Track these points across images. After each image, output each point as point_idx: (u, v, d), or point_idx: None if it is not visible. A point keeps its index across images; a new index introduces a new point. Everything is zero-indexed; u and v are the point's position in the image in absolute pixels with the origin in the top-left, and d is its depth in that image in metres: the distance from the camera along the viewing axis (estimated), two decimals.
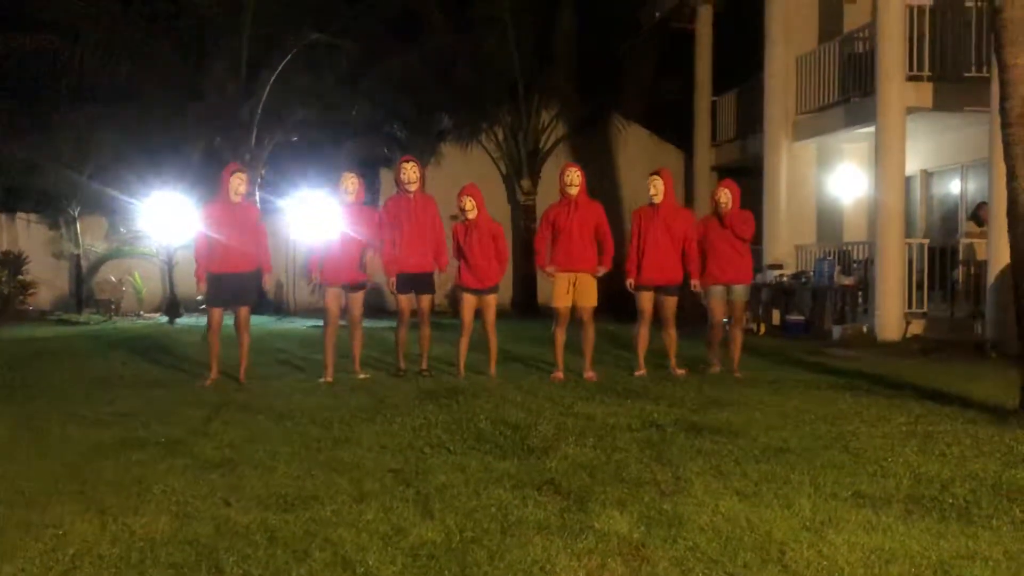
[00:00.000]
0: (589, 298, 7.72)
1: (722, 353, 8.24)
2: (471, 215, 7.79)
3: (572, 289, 7.69)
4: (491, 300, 7.85)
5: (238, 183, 7.57)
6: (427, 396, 6.70)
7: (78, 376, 7.98)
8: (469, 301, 7.82)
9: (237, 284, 7.52)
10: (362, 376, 7.58)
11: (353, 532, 3.52)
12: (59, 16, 15.39)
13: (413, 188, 7.76)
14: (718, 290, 8.10)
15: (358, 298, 7.69)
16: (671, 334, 8.01)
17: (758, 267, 14.29)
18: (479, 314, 7.86)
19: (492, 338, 7.88)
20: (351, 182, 7.68)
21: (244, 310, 7.65)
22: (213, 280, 7.52)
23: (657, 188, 7.94)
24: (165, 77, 16.50)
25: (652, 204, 7.95)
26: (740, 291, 8.15)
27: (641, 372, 7.82)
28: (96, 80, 15.77)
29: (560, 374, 7.73)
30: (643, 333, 7.94)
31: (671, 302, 7.97)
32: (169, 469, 4.49)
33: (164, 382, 7.56)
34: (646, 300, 7.92)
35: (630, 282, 7.90)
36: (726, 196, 8.06)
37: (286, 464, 4.57)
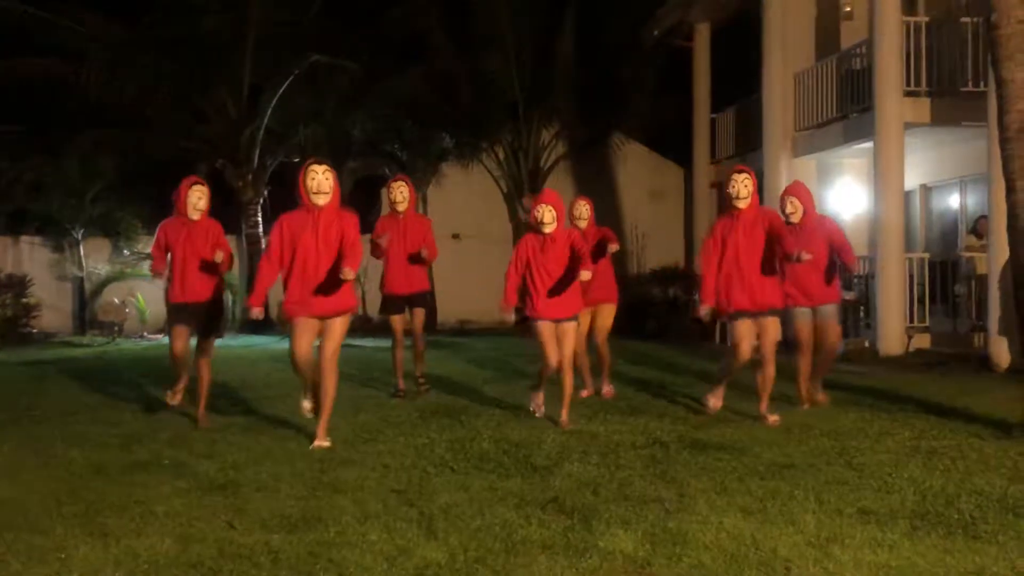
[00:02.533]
0: (608, 319, 7.67)
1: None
2: (549, 229, 6.32)
3: (592, 313, 7.56)
4: (570, 330, 6.39)
5: (198, 198, 6.46)
6: (430, 415, 6.70)
7: (81, 398, 7.98)
8: (548, 330, 6.31)
9: (198, 315, 6.47)
10: (319, 444, 5.56)
11: (357, 553, 3.52)
12: (64, 40, 15.53)
13: (402, 208, 7.64)
14: (803, 312, 6.89)
15: (337, 327, 5.66)
16: (768, 371, 6.45)
17: None
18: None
19: (568, 377, 6.39)
20: (323, 175, 5.60)
21: (208, 340, 6.61)
22: (175, 310, 6.54)
23: (748, 188, 6.36)
24: (168, 100, 16.60)
25: (735, 209, 6.38)
26: (830, 311, 6.95)
27: (715, 403, 6.72)
28: (100, 103, 15.86)
29: (587, 392, 7.69)
30: (736, 366, 6.53)
31: (769, 325, 6.40)
32: (172, 491, 4.49)
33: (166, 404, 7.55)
34: (743, 331, 6.38)
35: (705, 310, 6.54)
36: (794, 206, 6.84)
37: (289, 485, 4.57)
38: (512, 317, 6.46)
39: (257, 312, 5.67)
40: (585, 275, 6.07)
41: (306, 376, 5.73)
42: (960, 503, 4.14)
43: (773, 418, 6.36)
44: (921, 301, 11.75)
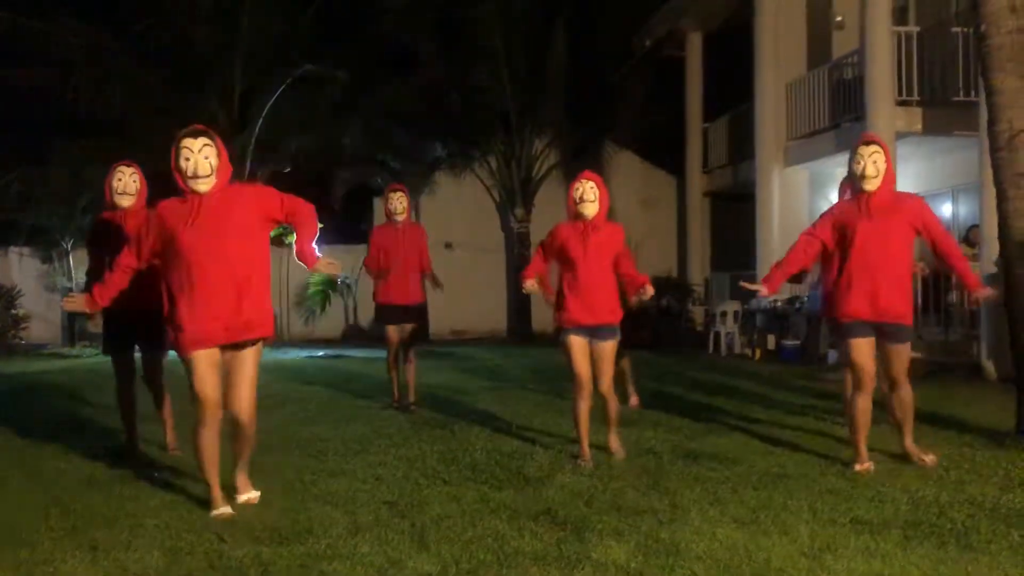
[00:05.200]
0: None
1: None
2: (590, 210, 5.19)
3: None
4: (608, 348, 5.31)
5: (118, 180, 5.35)
6: (422, 426, 6.67)
7: (70, 410, 7.92)
8: (577, 345, 5.29)
9: (143, 326, 5.29)
10: (246, 498, 4.42)
11: (348, 565, 3.49)
12: (52, 49, 15.48)
13: (400, 218, 7.63)
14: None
15: (249, 359, 4.23)
16: (904, 398, 5.11)
17: (753, 293, 14.36)
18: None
19: (610, 399, 5.44)
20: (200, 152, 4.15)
21: (156, 356, 5.63)
22: (114, 322, 5.39)
23: (878, 167, 4.91)
24: (158, 110, 16.57)
25: (862, 193, 4.96)
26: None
27: (865, 466, 5.00)
28: (89, 113, 15.82)
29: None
30: (863, 405, 5.04)
31: (902, 351, 5.06)
32: (162, 504, 4.45)
33: (155, 416, 7.48)
34: (862, 350, 5.01)
35: (762, 291, 5.27)
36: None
37: (280, 497, 4.53)
38: (534, 285, 5.42)
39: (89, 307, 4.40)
40: (649, 290, 5.25)
41: (213, 426, 4.24)
42: (953, 512, 4.13)
43: (929, 457, 5.05)
44: (914, 310, 11.76)
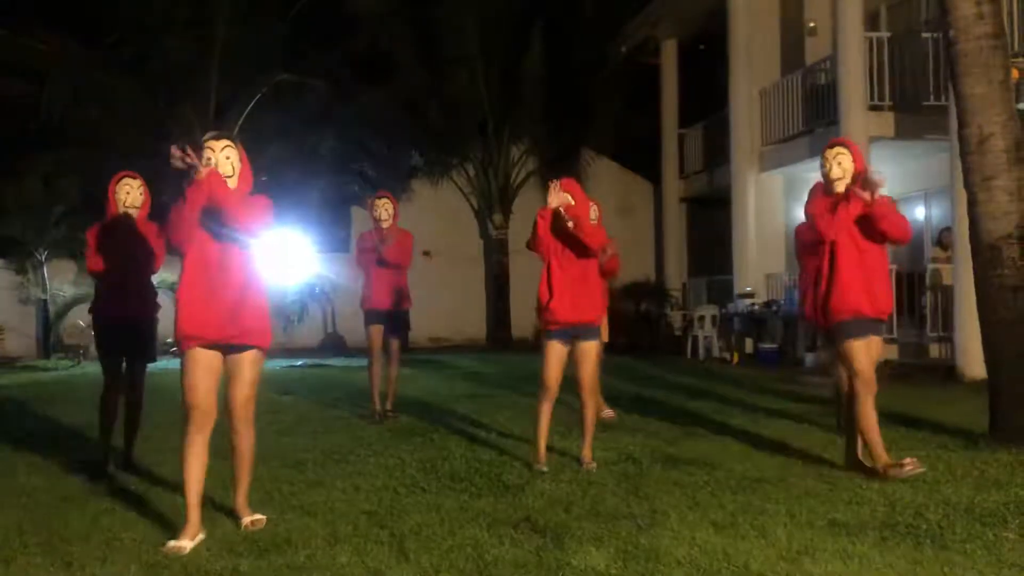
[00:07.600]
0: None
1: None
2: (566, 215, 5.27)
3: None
4: (590, 348, 5.37)
5: (126, 193, 5.49)
6: (401, 435, 6.66)
7: (44, 424, 7.83)
8: (556, 351, 5.29)
9: (132, 335, 5.59)
10: (252, 520, 4.23)
11: None
12: (26, 60, 15.33)
13: (387, 225, 7.65)
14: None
15: (247, 365, 4.13)
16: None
17: (730, 297, 14.46)
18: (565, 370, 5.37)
19: (589, 404, 5.43)
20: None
21: (141, 367, 5.74)
22: (103, 328, 5.65)
23: (843, 167, 5.07)
24: (134, 120, 16.44)
25: (835, 193, 5.06)
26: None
27: (911, 462, 4.90)
28: (64, 124, 15.66)
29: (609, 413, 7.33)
30: (871, 410, 4.94)
31: (879, 343, 5.15)
32: (138, 517, 4.41)
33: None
34: (871, 348, 4.98)
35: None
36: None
37: (258, 509, 4.49)
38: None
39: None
40: (564, 198, 5.16)
41: (203, 432, 4.02)
42: (928, 513, 4.17)
43: (900, 466, 4.86)
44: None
